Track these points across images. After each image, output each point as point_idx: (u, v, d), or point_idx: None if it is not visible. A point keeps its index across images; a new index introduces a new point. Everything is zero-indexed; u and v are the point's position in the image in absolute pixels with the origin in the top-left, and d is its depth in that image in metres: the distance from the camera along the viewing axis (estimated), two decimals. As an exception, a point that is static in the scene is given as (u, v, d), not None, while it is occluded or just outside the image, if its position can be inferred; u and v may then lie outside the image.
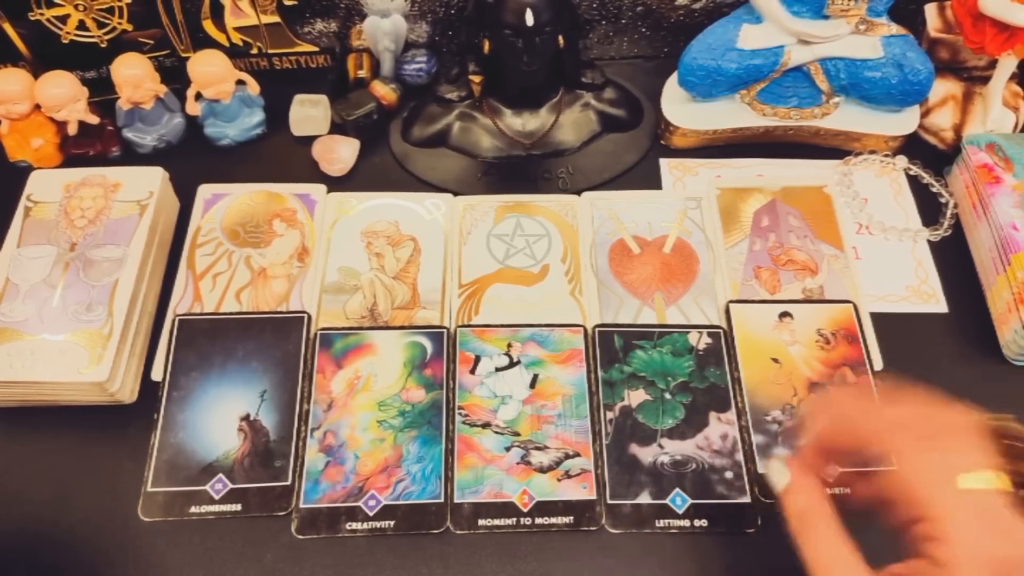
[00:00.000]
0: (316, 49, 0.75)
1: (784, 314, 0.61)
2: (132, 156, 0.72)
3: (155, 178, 0.65)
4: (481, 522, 0.53)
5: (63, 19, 0.69)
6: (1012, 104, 0.72)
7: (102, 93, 0.72)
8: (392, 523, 0.53)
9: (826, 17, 0.66)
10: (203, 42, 0.73)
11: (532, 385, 0.58)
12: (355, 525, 0.53)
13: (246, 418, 0.56)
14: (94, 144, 0.71)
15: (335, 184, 0.70)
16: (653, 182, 0.72)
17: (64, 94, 0.68)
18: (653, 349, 0.60)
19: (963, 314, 0.63)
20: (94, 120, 0.70)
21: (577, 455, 0.55)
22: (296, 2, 0.72)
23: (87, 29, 0.70)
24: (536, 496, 0.54)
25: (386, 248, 0.66)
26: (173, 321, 0.60)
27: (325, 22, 0.77)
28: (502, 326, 0.61)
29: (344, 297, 0.63)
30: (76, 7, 0.68)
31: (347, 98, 0.73)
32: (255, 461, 0.55)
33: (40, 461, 0.56)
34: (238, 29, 0.73)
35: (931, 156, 0.72)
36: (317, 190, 0.69)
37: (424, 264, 0.65)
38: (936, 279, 0.65)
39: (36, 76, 0.68)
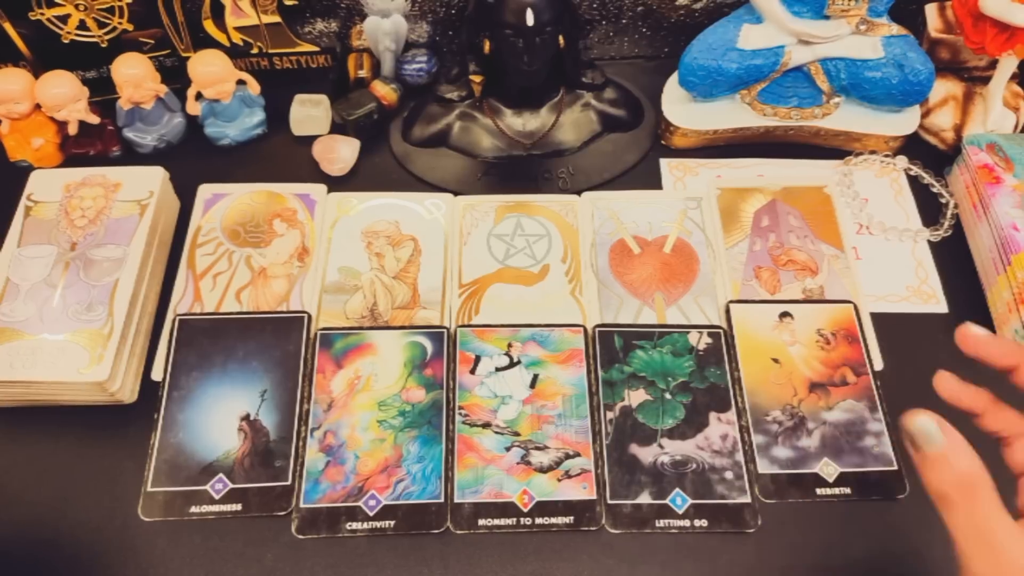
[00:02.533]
0: (317, 49, 0.75)
1: (784, 314, 0.61)
2: (132, 156, 0.72)
3: (155, 178, 0.65)
4: (481, 522, 0.53)
5: (64, 19, 0.69)
6: (1012, 104, 0.72)
7: (102, 93, 0.72)
8: (392, 523, 0.53)
9: (827, 17, 0.66)
10: (203, 42, 0.73)
11: (532, 385, 0.58)
12: (355, 525, 0.53)
13: (246, 418, 0.56)
14: (94, 144, 0.71)
15: (335, 184, 0.70)
16: (653, 182, 0.72)
17: (65, 94, 0.68)
18: (653, 349, 0.60)
19: (963, 314, 0.63)
20: (94, 120, 0.70)
21: (577, 455, 0.55)
22: (297, 2, 0.72)
23: (88, 29, 0.70)
24: (536, 496, 0.54)
25: (386, 248, 0.66)
26: (173, 321, 0.60)
27: (325, 22, 0.77)
28: (502, 326, 0.61)
29: (344, 297, 0.63)
30: (77, 7, 0.68)
31: (347, 98, 0.73)
32: (255, 461, 0.55)
33: (40, 461, 0.56)
34: (239, 29, 0.73)
35: (931, 156, 0.72)
36: (317, 190, 0.69)
37: (424, 264, 0.65)
38: (936, 279, 0.65)
39: (36, 76, 0.68)
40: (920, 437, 0.38)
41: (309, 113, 0.74)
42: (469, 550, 0.52)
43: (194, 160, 0.71)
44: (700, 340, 0.60)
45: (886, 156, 0.72)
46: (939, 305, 0.64)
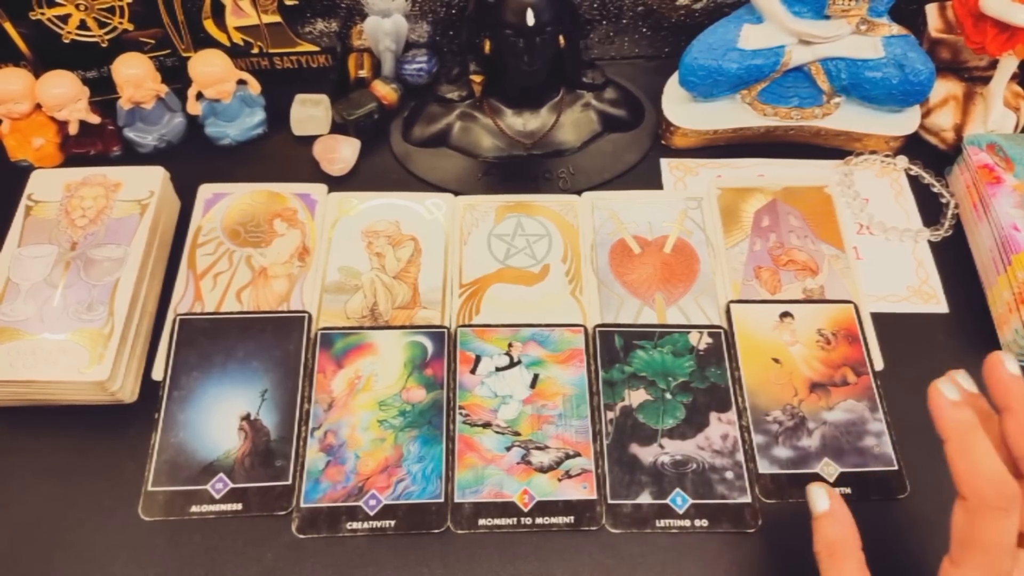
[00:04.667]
0: (317, 49, 0.75)
1: (785, 314, 0.61)
2: (133, 156, 0.72)
3: (156, 178, 0.65)
4: (481, 522, 0.53)
5: (64, 19, 0.69)
6: (1013, 104, 0.72)
7: (103, 93, 0.72)
8: (392, 523, 0.53)
9: (827, 17, 0.66)
10: (204, 42, 0.73)
11: (532, 385, 0.58)
12: (355, 525, 0.53)
13: (247, 418, 0.56)
14: (95, 144, 0.71)
15: (336, 184, 0.70)
16: (654, 182, 0.72)
17: (65, 94, 0.68)
18: (654, 349, 0.60)
19: (964, 314, 0.63)
20: (95, 120, 0.70)
21: (577, 455, 0.55)
22: (297, 2, 0.72)
23: (88, 29, 0.70)
24: (536, 496, 0.54)
25: (387, 248, 0.66)
26: (174, 320, 0.60)
27: (326, 22, 0.77)
28: (503, 326, 0.61)
29: (345, 297, 0.63)
30: (77, 7, 0.68)
31: (348, 98, 0.73)
32: (256, 461, 0.55)
33: (40, 461, 0.56)
34: (239, 29, 0.73)
35: (932, 156, 0.72)
36: (318, 190, 0.69)
37: (425, 264, 0.65)
38: (937, 279, 0.65)
39: (37, 76, 0.68)
40: (810, 501, 0.42)
41: (309, 113, 0.74)
42: (469, 550, 0.52)
43: (194, 160, 0.71)
44: (700, 340, 0.60)
45: (887, 156, 0.72)
46: (939, 305, 0.64)
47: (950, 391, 0.39)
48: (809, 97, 0.71)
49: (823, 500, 0.42)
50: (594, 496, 0.54)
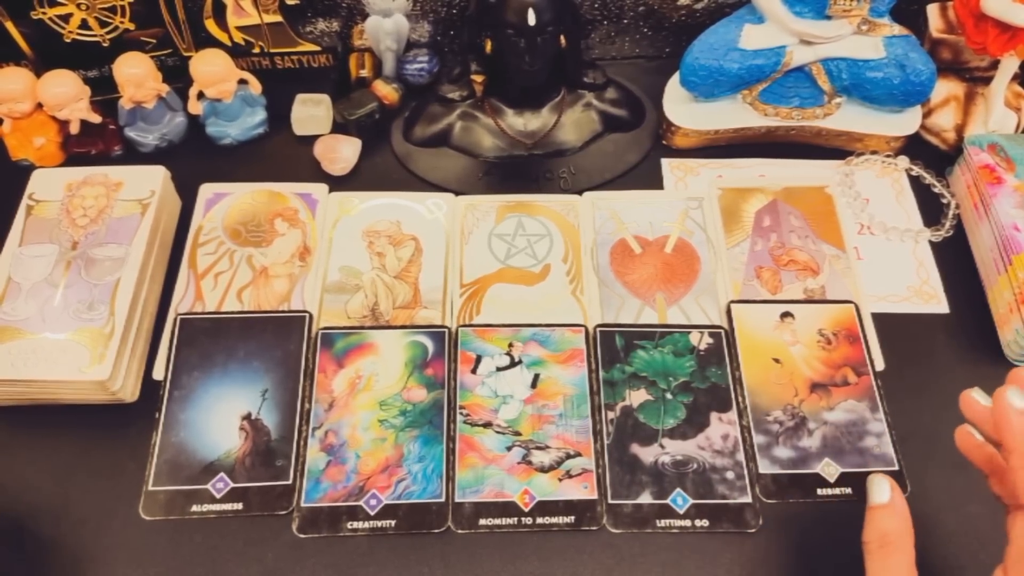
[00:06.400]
0: (318, 48, 0.75)
1: (785, 314, 0.61)
2: (134, 155, 0.72)
3: (157, 177, 0.65)
4: (482, 522, 0.53)
5: (65, 18, 0.69)
6: (1014, 105, 0.72)
7: (104, 92, 0.72)
8: (393, 522, 0.53)
9: (828, 17, 0.66)
10: (205, 41, 0.73)
11: (533, 385, 0.58)
12: (356, 524, 0.53)
13: (247, 417, 0.56)
14: (96, 143, 0.71)
15: (337, 183, 0.70)
16: (655, 182, 0.72)
17: (66, 93, 0.68)
18: (654, 349, 0.60)
19: (964, 314, 0.63)
20: (96, 119, 0.70)
21: (578, 455, 0.55)
22: (298, 1, 0.72)
23: (89, 28, 0.70)
24: (537, 496, 0.54)
25: (387, 247, 0.66)
26: (175, 320, 0.60)
27: (327, 21, 0.77)
28: (503, 326, 0.61)
29: (345, 296, 0.63)
30: (78, 6, 0.68)
31: (349, 98, 0.73)
32: (256, 460, 0.55)
33: (41, 460, 0.56)
34: (240, 28, 0.73)
35: (933, 156, 0.72)
36: (319, 189, 0.69)
37: (425, 264, 0.65)
38: (937, 279, 0.65)
39: (38, 75, 0.68)
40: (871, 489, 0.42)
41: (310, 113, 0.74)
42: (470, 550, 0.52)
43: (195, 159, 0.71)
44: (701, 340, 0.60)
45: (887, 156, 0.72)
46: (940, 305, 0.64)
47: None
48: (810, 97, 0.71)
49: (884, 491, 0.42)
50: (595, 496, 0.54)
